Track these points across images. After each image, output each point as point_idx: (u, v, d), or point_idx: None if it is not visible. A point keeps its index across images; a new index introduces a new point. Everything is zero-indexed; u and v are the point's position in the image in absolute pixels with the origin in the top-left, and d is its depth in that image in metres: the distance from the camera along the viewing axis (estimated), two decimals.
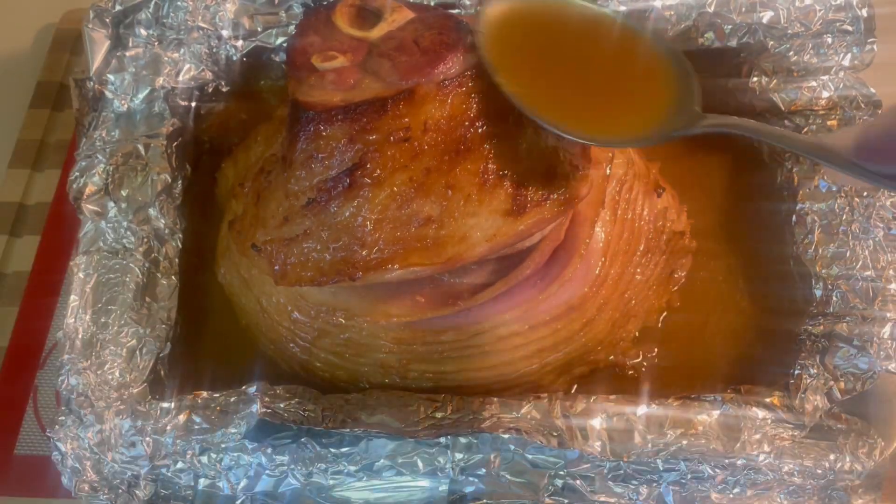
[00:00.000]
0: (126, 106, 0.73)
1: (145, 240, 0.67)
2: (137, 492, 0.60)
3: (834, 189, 0.67)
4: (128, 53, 0.74)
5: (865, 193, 0.66)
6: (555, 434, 0.57)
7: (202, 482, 0.61)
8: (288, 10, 0.77)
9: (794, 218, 0.68)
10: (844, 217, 0.66)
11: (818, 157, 0.43)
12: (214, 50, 0.77)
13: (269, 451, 0.59)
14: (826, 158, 0.42)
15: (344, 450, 0.59)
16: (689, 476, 0.58)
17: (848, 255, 0.64)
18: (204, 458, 0.59)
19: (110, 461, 0.59)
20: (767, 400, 0.60)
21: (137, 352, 0.63)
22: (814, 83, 0.72)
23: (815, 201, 0.67)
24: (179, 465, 0.60)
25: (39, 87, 0.91)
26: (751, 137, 0.48)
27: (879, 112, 0.39)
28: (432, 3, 0.75)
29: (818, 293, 0.64)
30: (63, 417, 0.60)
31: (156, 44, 0.75)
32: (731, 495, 0.59)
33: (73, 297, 0.65)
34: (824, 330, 0.62)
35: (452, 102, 0.56)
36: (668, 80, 0.57)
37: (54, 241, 0.81)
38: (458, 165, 0.56)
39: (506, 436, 0.57)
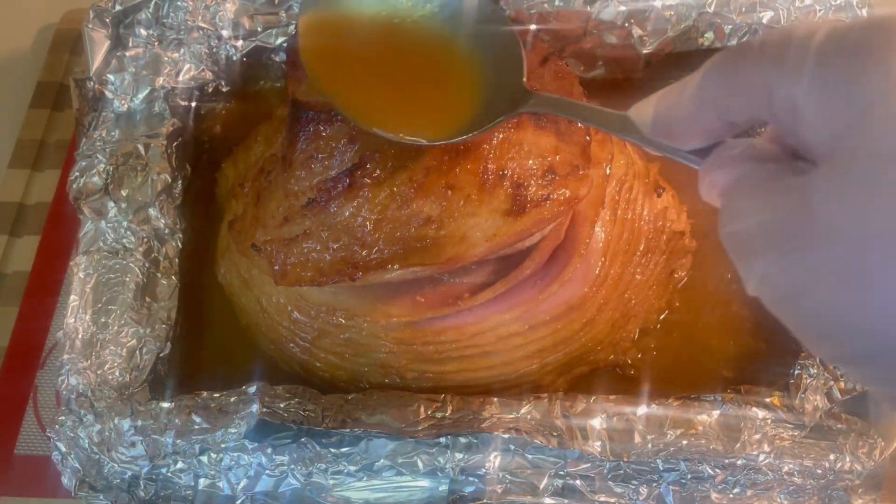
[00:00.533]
0: (126, 106, 0.73)
1: (145, 240, 0.67)
2: (137, 492, 0.60)
3: None
4: (128, 53, 0.74)
5: None
6: (555, 434, 0.57)
7: (202, 482, 0.61)
8: (288, 10, 0.77)
9: None
10: None
11: (623, 134, 0.41)
12: (214, 50, 0.77)
13: (269, 451, 0.59)
14: (630, 135, 0.41)
15: (344, 450, 0.59)
16: (689, 476, 0.58)
17: None
18: (204, 458, 0.59)
19: (110, 461, 0.59)
20: (767, 400, 0.60)
21: (137, 352, 0.63)
22: None
23: None
24: (179, 465, 0.60)
25: (39, 87, 0.91)
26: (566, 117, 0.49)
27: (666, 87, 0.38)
28: None
29: None
30: (63, 417, 0.60)
31: (156, 44, 0.75)
32: (731, 495, 0.59)
33: (73, 297, 0.65)
34: None
35: None
36: (488, 57, 0.52)
37: (54, 241, 0.81)
38: (457, 165, 0.56)
39: (506, 436, 0.57)
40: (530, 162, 0.57)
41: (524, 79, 0.50)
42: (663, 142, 0.39)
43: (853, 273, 0.27)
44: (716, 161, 0.37)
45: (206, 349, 0.72)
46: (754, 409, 0.59)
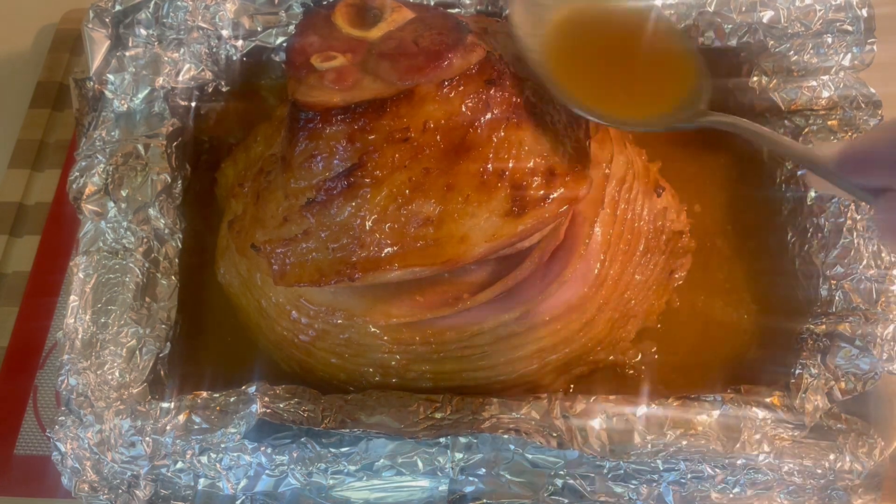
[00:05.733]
0: (126, 106, 0.73)
1: (145, 240, 0.67)
2: (137, 492, 0.60)
3: None
4: (128, 53, 0.74)
5: None
6: (554, 434, 0.57)
7: (202, 482, 0.61)
8: (288, 10, 0.77)
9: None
10: (848, 216, 0.65)
11: (805, 163, 0.47)
12: (214, 50, 0.77)
13: (269, 451, 0.59)
14: (812, 166, 0.46)
15: (344, 449, 0.59)
16: (689, 476, 0.58)
17: (852, 254, 0.64)
18: (204, 458, 0.60)
19: (110, 461, 0.59)
20: (767, 400, 0.60)
21: (137, 352, 0.63)
22: (814, 83, 0.72)
23: (819, 200, 0.67)
24: (179, 465, 0.60)
25: (39, 87, 0.91)
26: (747, 138, 0.55)
27: (872, 127, 0.44)
28: (432, 3, 0.75)
29: (822, 293, 0.64)
30: (63, 417, 0.61)
31: (156, 44, 0.75)
32: (731, 495, 0.59)
33: (73, 297, 0.65)
34: (826, 329, 0.62)
35: (452, 102, 0.56)
36: (686, 75, 0.61)
37: (54, 241, 0.81)
38: (457, 165, 0.56)
39: (505, 436, 0.57)
40: (530, 162, 0.57)
41: (703, 105, 0.58)
42: (846, 175, 0.43)
43: None
44: None
45: (206, 349, 0.72)
46: (754, 409, 0.59)
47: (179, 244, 0.69)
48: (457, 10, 0.75)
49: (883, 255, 0.63)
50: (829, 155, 0.44)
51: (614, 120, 0.59)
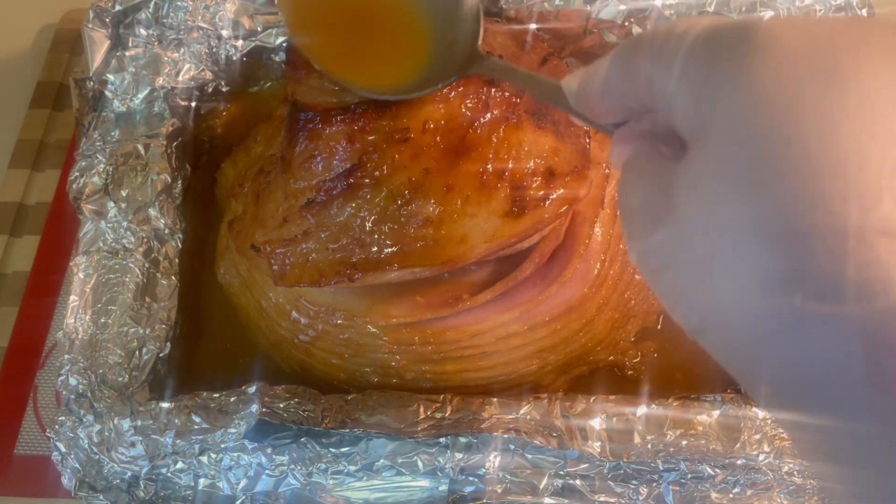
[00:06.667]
0: (126, 106, 0.73)
1: (145, 240, 0.67)
2: (137, 492, 0.60)
3: None
4: (128, 53, 0.74)
5: None
6: (554, 434, 0.57)
7: (202, 482, 0.61)
8: None
9: None
10: None
11: (555, 103, 0.42)
12: (214, 50, 0.77)
13: (269, 451, 0.59)
14: (561, 105, 0.42)
15: (344, 450, 0.59)
16: (688, 476, 0.58)
17: None
18: (204, 458, 0.59)
19: (110, 461, 0.59)
20: None
21: (137, 352, 0.63)
22: None
23: None
24: (179, 465, 0.60)
25: (39, 87, 0.91)
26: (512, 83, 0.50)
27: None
28: None
29: None
30: (63, 417, 0.60)
31: (156, 44, 0.75)
32: (731, 495, 0.59)
33: (73, 297, 0.65)
34: None
35: (452, 103, 0.56)
36: (447, 16, 0.53)
37: (54, 241, 0.81)
38: (457, 166, 0.56)
39: (505, 436, 0.57)
40: (530, 163, 0.57)
41: (479, 42, 0.51)
42: (585, 115, 0.40)
43: (697, 259, 0.29)
44: (623, 133, 0.38)
45: (206, 349, 0.72)
46: (754, 409, 0.59)
47: (179, 244, 0.69)
48: None
49: None
50: (572, 91, 0.40)
51: (387, 91, 0.53)
